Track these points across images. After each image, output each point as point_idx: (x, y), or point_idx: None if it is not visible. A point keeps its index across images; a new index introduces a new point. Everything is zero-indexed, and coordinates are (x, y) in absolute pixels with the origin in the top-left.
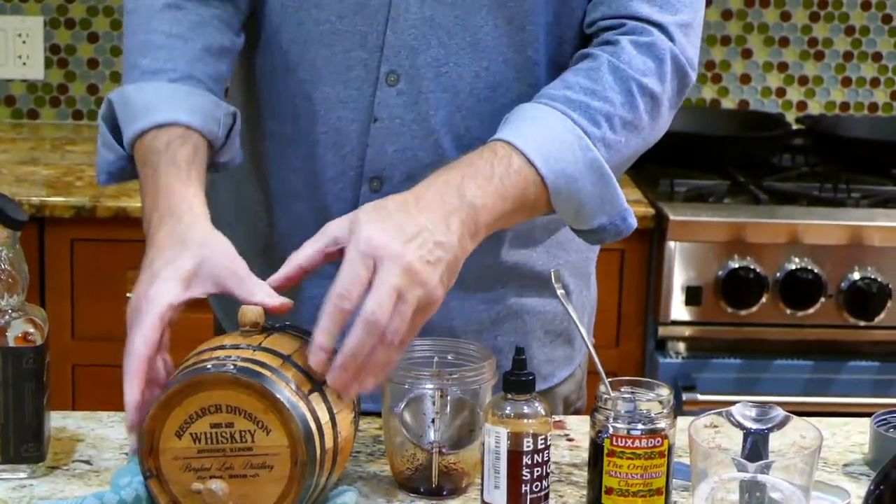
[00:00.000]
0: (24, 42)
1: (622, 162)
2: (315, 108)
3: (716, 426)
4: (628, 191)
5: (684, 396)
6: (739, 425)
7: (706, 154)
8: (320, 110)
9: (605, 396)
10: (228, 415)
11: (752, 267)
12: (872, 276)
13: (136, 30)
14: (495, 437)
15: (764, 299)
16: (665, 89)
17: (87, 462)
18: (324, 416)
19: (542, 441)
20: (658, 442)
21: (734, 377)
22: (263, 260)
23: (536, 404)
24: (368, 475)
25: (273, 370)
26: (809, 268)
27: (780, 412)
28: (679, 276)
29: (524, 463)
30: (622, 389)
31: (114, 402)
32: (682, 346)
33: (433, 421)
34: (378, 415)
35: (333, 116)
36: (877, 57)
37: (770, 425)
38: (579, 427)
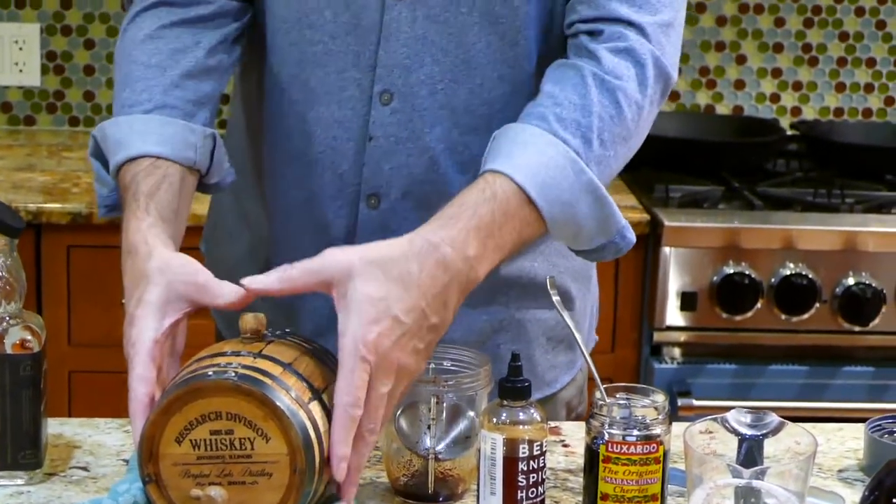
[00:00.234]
0: (20, 49)
1: (613, 173)
2: (310, 127)
3: (711, 432)
4: (623, 196)
5: (679, 402)
6: (734, 431)
7: (701, 160)
8: (316, 130)
9: (601, 403)
10: (228, 422)
11: (746, 272)
12: (867, 282)
13: (121, 63)
14: (491, 444)
15: (759, 305)
16: (647, 94)
17: (85, 468)
18: (323, 425)
19: (538, 447)
20: (653, 448)
21: (729, 382)
22: (262, 271)
23: (532, 411)
24: (365, 481)
25: (273, 378)
26: (804, 273)
27: (774, 418)
28: (674, 282)
29: (520, 469)
30: (617, 395)
31: (110, 408)
32: (677, 351)
33: (429, 427)
34: None
35: (329, 136)
36: (870, 62)
37: (765, 431)
38: (575, 433)
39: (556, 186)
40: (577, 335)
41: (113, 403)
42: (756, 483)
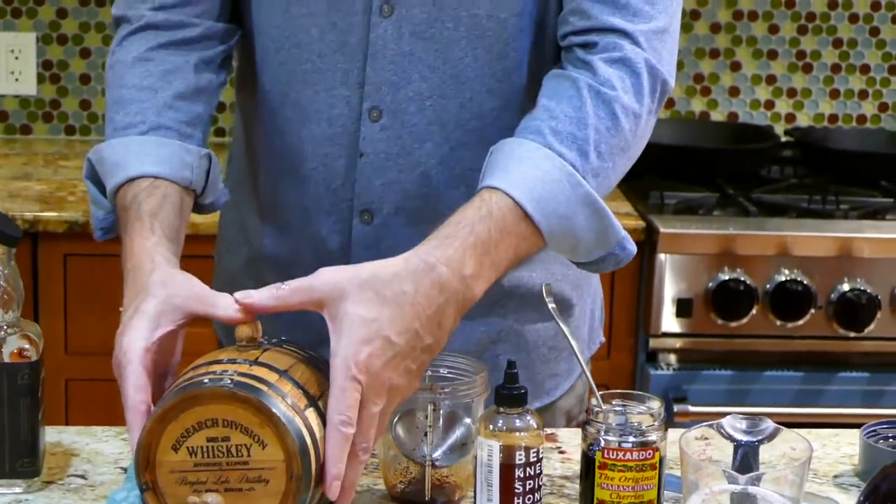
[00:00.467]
0: (16, 58)
1: (612, 184)
2: (303, 144)
3: (706, 438)
4: (618, 203)
5: (675, 408)
6: (730, 437)
7: (696, 166)
8: (308, 147)
9: (597, 409)
10: (225, 429)
11: (741, 279)
12: (862, 288)
13: (112, 86)
14: (488, 451)
15: (754, 311)
16: (644, 103)
17: (83, 476)
18: (319, 431)
19: (535, 454)
20: (649, 454)
21: (725, 388)
22: (254, 281)
23: (528, 417)
24: (361, 488)
25: (269, 385)
26: (799, 279)
27: (770, 424)
28: (669, 288)
29: (516, 476)
30: (613, 402)
31: (107, 416)
32: (672, 357)
33: (426, 434)
34: None
35: (321, 152)
36: (864, 69)
37: (760, 437)
38: (571, 440)
39: (553, 200)
40: (574, 343)
41: (109, 411)
42: (752, 489)
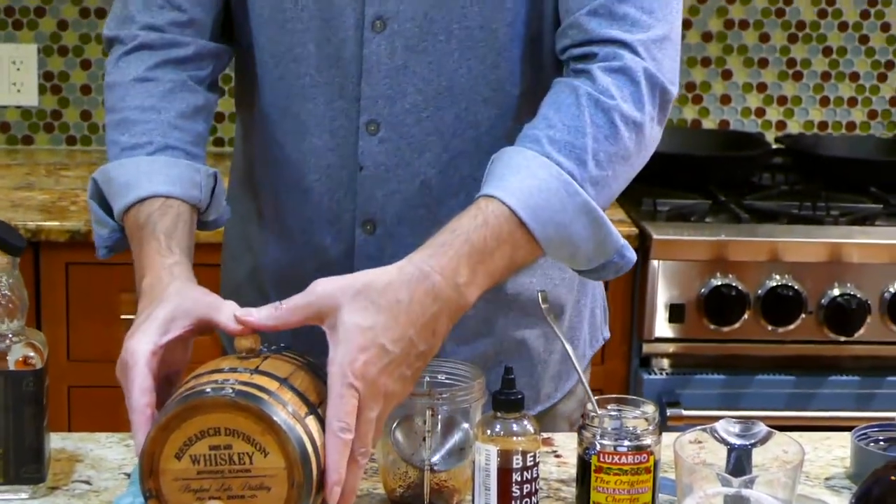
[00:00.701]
0: (18, 69)
1: (614, 193)
2: (305, 157)
3: (700, 442)
4: (611, 210)
5: (669, 412)
6: (723, 441)
7: (688, 174)
8: (310, 159)
9: (592, 414)
10: (227, 437)
11: (733, 284)
12: (852, 293)
13: (113, 107)
14: (485, 455)
15: (746, 316)
16: (646, 111)
17: (87, 482)
18: (319, 438)
19: (531, 458)
20: (644, 458)
21: (717, 393)
22: (257, 292)
23: (525, 422)
24: (362, 492)
25: (270, 393)
26: (790, 284)
27: (762, 428)
28: (662, 294)
29: (514, 480)
30: (609, 407)
31: (109, 422)
32: (665, 362)
33: (424, 439)
34: None
35: (323, 164)
36: (854, 77)
37: (753, 441)
38: (567, 444)
39: (549, 208)
40: (570, 349)
41: (111, 417)
42: (745, 492)
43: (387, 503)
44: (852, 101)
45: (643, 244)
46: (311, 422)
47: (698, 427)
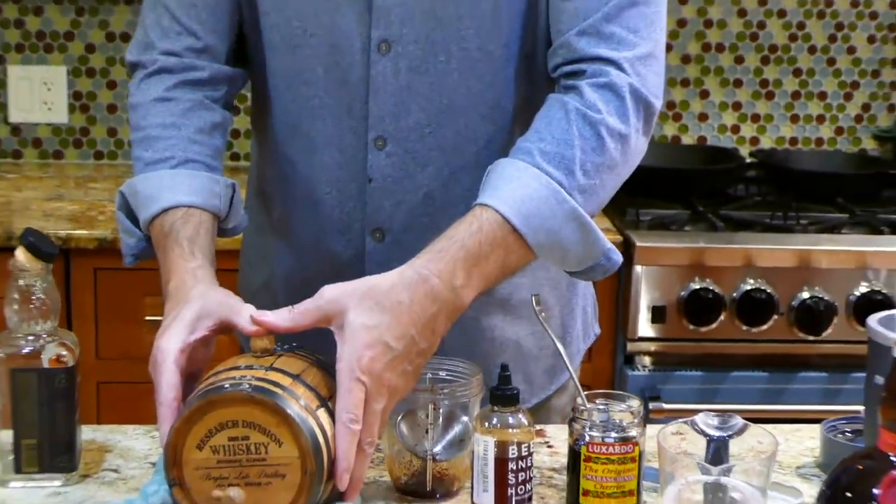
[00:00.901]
0: (49, 89)
1: (603, 200)
2: (316, 172)
3: (681, 433)
4: (598, 219)
5: (651, 406)
6: (703, 433)
7: (668, 186)
8: (321, 174)
9: (582, 408)
10: (244, 429)
11: (711, 288)
12: (820, 296)
13: (137, 125)
14: (483, 446)
15: (722, 317)
16: (630, 124)
17: (116, 471)
18: (330, 430)
19: (526, 448)
20: (630, 448)
21: (696, 388)
22: (272, 299)
23: (520, 416)
24: (369, 480)
25: (284, 388)
26: (763, 288)
27: (739, 421)
28: (645, 297)
29: (510, 468)
30: (597, 401)
31: (134, 415)
32: (648, 360)
33: (427, 431)
34: None
35: (333, 178)
36: (822, 96)
37: (730, 433)
38: (558, 435)
39: (540, 215)
40: (561, 347)
41: (137, 411)
42: (723, 479)
43: (392, 490)
44: (820, 119)
45: (627, 251)
46: (322, 414)
47: (679, 420)
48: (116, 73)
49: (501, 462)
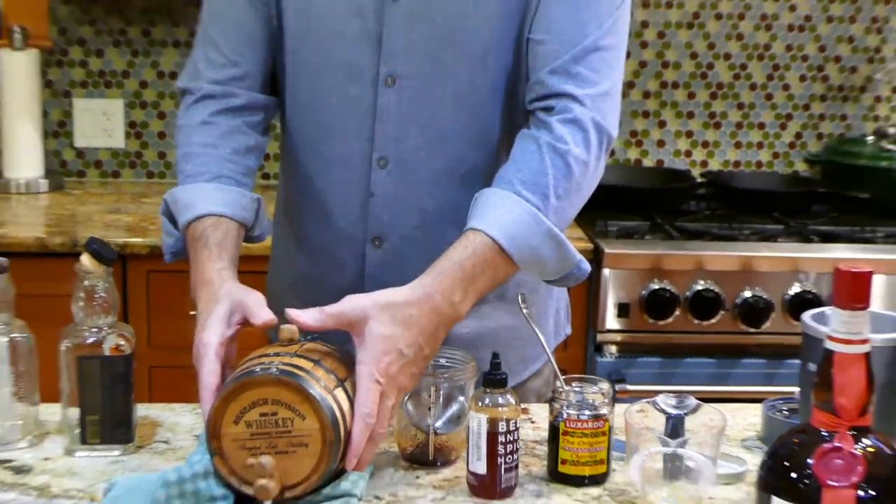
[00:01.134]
0: (108, 119)
1: (570, 217)
2: (328, 188)
3: (644, 412)
4: (572, 231)
5: (617, 388)
6: (663, 411)
7: (632, 202)
8: (332, 189)
9: (560, 390)
10: (273, 406)
11: (667, 288)
12: (760, 294)
13: (182, 143)
14: (477, 422)
15: (677, 312)
16: (592, 153)
17: (166, 443)
18: (346, 406)
19: (514, 424)
20: (601, 424)
21: (656, 372)
22: (297, 298)
23: (509, 396)
24: (381, 450)
25: (307, 371)
26: (711, 288)
27: (693, 401)
28: (612, 295)
29: (500, 441)
30: (573, 384)
31: (181, 395)
32: (615, 348)
33: (430, 409)
34: None
35: (342, 193)
36: (761, 126)
37: (686, 411)
38: (540, 413)
39: (522, 236)
40: (542, 339)
41: (183, 391)
42: (680, 451)
43: (400, 458)
44: (760, 145)
45: (597, 256)
46: (339, 393)
47: (643, 400)
48: (166, 105)
49: (493, 436)
